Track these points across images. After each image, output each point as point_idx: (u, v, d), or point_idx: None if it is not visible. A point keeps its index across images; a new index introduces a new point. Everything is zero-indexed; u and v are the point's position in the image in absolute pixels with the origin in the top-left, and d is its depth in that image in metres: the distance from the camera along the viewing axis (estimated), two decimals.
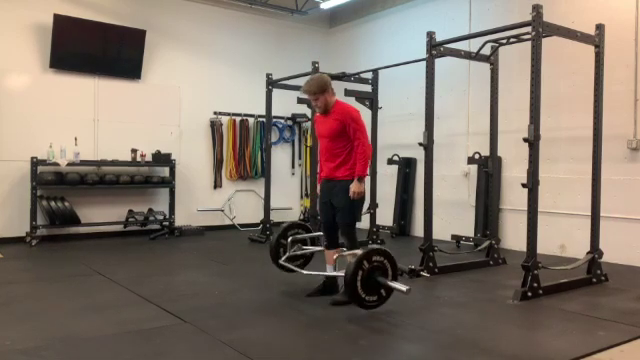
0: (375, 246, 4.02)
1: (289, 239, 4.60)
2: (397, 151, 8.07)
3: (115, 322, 3.69)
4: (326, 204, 4.35)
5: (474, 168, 7.28)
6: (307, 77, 7.05)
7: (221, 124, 8.81)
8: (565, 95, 6.41)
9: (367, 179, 7.09)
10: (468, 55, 5.81)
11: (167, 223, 7.94)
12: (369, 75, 7.51)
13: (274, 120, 8.73)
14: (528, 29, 4.65)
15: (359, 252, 3.84)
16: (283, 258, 4.57)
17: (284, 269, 4.64)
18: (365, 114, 7.60)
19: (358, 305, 3.82)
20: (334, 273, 4.26)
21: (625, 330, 3.60)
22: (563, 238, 6.41)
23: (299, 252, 4.65)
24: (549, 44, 5.08)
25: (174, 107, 8.43)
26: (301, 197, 9.64)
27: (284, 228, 4.73)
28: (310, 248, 4.70)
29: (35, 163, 6.99)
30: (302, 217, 9.26)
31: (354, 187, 4.09)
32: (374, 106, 7.46)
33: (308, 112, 7.92)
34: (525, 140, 4.44)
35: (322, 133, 4.35)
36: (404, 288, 3.75)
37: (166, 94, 8.35)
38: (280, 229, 4.75)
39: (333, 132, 4.21)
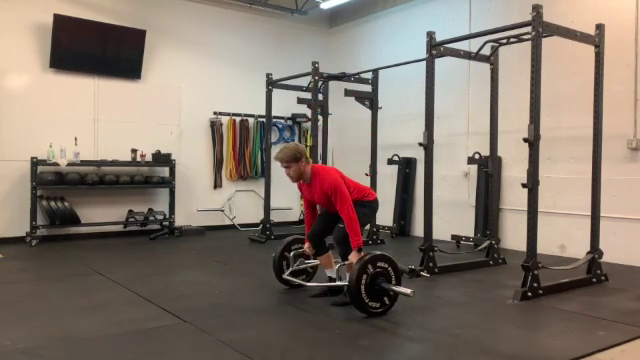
0: (378, 252, 3.99)
1: (292, 253, 4.50)
2: (397, 151, 8.07)
3: (115, 322, 3.69)
4: (325, 218, 4.32)
5: (474, 168, 7.28)
6: (307, 77, 7.13)
7: (221, 124, 8.81)
8: (565, 95, 6.41)
9: (367, 179, 7.17)
10: (468, 55, 5.80)
11: (167, 223, 7.94)
12: (369, 75, 7.51)
13: (274, 120, 8.72)
14: (528, 29, 4.65)
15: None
16: (287, 273, 4.48)
17: (288, 284, 4.60)
18: (365, 114, 7.68)
19: (362, 311, 3.80)
20: (339, 283, 4.17)
21: (625, 330, 3.60)
22: (563, 238, 6.41)
23: (302, 266, 4.52)
24: (549, 44, 5.08)
25: (174, 107, 8.43)
26: (301, 197, 9.62)
27: (287, 243, 4.64)
28: (313, 262, 4.58)
29: (35, 163, 6.99)
30: (302, 217, 9.25)
31: (353, 257, 3.93)
32: (374, 106, 7.46)
33: (308, 112, 7.92)
34: (525, 140, 4.44)
35: (313, 198, 4.34)
36: (409, 291, 3.74)
37: (166, 94, 8.35)
38: (283, 243, 4.66)
39: (322, 200, 4.21)
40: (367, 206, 4.30)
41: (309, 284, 4.39)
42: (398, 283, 3.93)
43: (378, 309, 3.85)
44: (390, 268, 3.90)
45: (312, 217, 4.52)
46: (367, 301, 3.80)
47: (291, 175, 4.18)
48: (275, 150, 8.91)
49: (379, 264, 3.86)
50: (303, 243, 4.55)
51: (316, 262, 4.55)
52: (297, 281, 4.42)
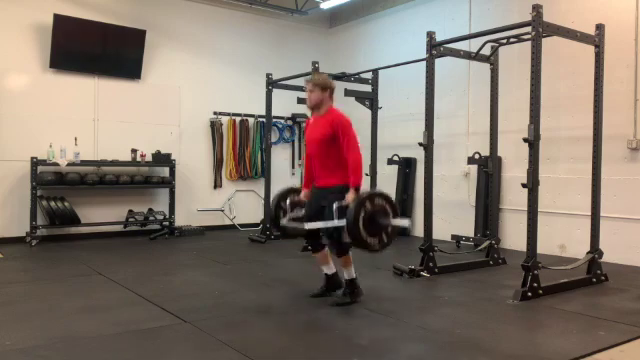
0: (377, 190, 3.98)
1: (288, 201, 4.39)
2: (397, 151, 8.06)
3: (115, 322, 3.69)
4: (315, 209, 4.16)
5: (474, 168, 7.28)
6: (307, 77, 7.11)
7: (221, 124, 8.81)
8: (565, 95, 6.41)
9: (367, 179, 7.17)
10: (468, 55, 5.80)
11: (167, 223, 7.94)
12: (369, 75, 7.51)
13: (274, 120, 8.73)
14: (528, 29, 4.65)
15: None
16: (285, 220, 4.34)
17: (285, 232, 4.42)
18: (365, 114, 7.68)
19: (362, 247, 3.78)
20: (336, 221, 3.92)
21: (625, 330, 3.60)
22: (563, 238, 6.41)
23: (300, 215, 4.37)
24: (549, 44, 5.08)
25: (174, 107, 8.43)
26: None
27: (284, 191, 4.51)
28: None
29: (35, 163, 6.99)
30: None
31: (350, 196, 3.89)
32: (374, 106, 7.46)
33: (308, 112, 7.89)
34: (525, 140, 4.44)
35: (312, 137, 4.21)
36: (406, 223, 3.80)
37: (166, 94, 8.35)
38: (278, 193, 4.54)
39: (324, 137, 4.08)
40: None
41: (306, 226, 4.04)
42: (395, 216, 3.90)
43: (377, 245, 3.81)
44: (387, 205, 3.87)
45: (311, 168, 4.37)
46: (365, 237, 3.74)
47: (312, 98, 4.21)
48: (275, 150, 9.01)
49: (376, 201, 3.81)
50: (299, 193, 4.43)
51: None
52: (294, 225, 4.27)
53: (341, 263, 4.14)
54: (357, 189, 3.94)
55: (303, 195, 4.37)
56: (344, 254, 4.09)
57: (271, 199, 4.54)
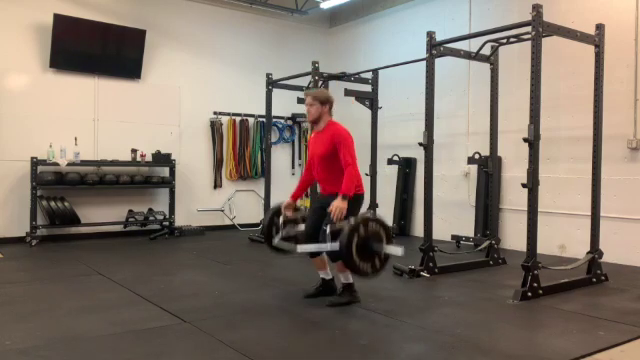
0: (369, 214, 3.94)
1: (281, 219, 4.38)
2: (397, 151, 8.06)
3: (115, 322, 3.69)
4: (316, 211, 4.21)
5: (474, 168, 7.28)
6: (307, 77, 7.13)
7: (221, 124, 8.81)
8: (565, 95, 6.41)
9: (367, 179, 7.16)
10: (468, 55, 5.80)
11: (167, 223, 7.94)
12: (369, 75, 7.51)
13: (274, 120, 8.73)
14: (528, 29, 4.65)
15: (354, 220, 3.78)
16: (276, 240, 4.34)
17: (278, 251, 4.45)
18: (365, 114, 7.68)
19: (354, 272, 3.75)
20: (329, 245, 3.91)
21: (625, 330, 3.60)
22: (563, 238, 6.41)
23: (292, 233, 4.38)
24: (549, 44, 5.08)
25: (174, 107, 8.43)
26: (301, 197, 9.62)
27: (277, 208, 4.50)
28: (302, 227, 4.44)
29: (35, 163, 6.99)
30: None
31: (337, 202, 3.90)
32: (374, 106, 7.46)
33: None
34: (525, 140, 4.44)
35: (315, 152, 4.26)
36: (399, 251, 3.71)
37: (166, 94, 8.35)
38: (271, 210, 4.55)
39: (326, 152, 4.13)
40: (359, 200, 4.23)
41: (298, 249, 4.05)
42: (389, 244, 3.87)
43: (369, 270, 3.78)
44: (381, 229, 3.83)
45: (307, 179, 4.41)
46: (358, 263, 3.71)
47: (311, 112, 4.25)
48: (275, 150, 9.01)
49: (370, 226, 3.78)
50: (292, 209, 4.42)
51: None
52: (286, 247, 4.29)
53: (337, 268, 4.14)
54: (344, 197, 3.92)
55: (286, 205, 4.37)
56: (339, 259, 4.06)
57: (264, 216, 4.56)
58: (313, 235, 4.14)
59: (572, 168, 6.33)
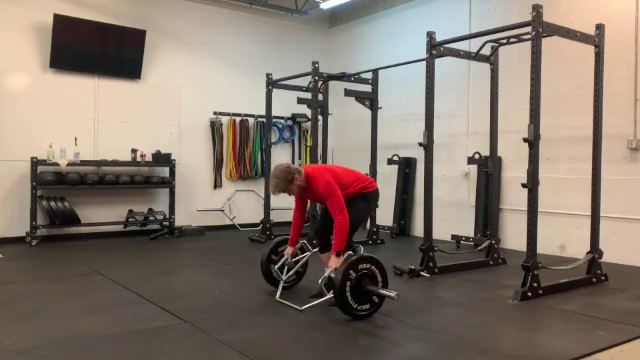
0: (361, 253, 3.96)
1: (276, 266, 4.45)
2: (397, 151, 8.06)
3: (115, 322, 3.69)
4: (326, 210, 4.23)
5: (474, 168, 7.28)
6: (307, 77, 7.13)
7: (221, 124, 8.81)
8: (565, 95, 6.41)
9: None
10: (468, 55, 5.80)
11: (167, 223, 7.94)
12: (369, 75, 7.51)
13: (274, 120, 8.73)
14: (528, 29, 4.65)
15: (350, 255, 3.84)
16: (278, 294, 4.30)
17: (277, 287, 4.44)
18: (365, 114, 7.68)
19: (350, 316, 3.76)
20: (326, 295, 3.99)
21: (625, 330, 3.60)
22: (563, 238, 6.41)
23: (292, 271, 4.44)
24: (549, 44, 5.08)
25: (174, 107, 8.43)
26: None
27: (274, 245, 4.60)
28: (304, 255, 4.48)
29: (35, 163, 6.99)
30: None
31: (332, 262, 3.91)
32: (374, 106, 7.46)
33: (308, 112, 7.92)
34: (525, 140, 4.44)
35: (310, 199, 4.53)
36: (393, 294, 3.70)
37: (166, 94, 8.35)
38: (270, 245, 4.62)
39: (319, 199, 4.23)
40: (369, 198, 4.30)
41: (300, 308, 4.01)
42: (385, 282, 3.88)
43: (366, 311, 3.80)
44: (374, 268, 3.85)
45: (299, 218, 4.43)
46: (355, 305, 3.75)
47: (295, 193, 4.19)
48: (275, 150, 9.01)
49: (362, 266, 3.80)
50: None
51: (305, 257, 4.48)
52: (289, 304, 4.16)
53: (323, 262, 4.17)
54: (338, 254, 3.93)
55: (289, 252, 4.42)
56: (349, 249, 4.09)
57: (262, 256, 4.59)
58: (324, 234, 4.30)
59: (572, 168, 6.33)
